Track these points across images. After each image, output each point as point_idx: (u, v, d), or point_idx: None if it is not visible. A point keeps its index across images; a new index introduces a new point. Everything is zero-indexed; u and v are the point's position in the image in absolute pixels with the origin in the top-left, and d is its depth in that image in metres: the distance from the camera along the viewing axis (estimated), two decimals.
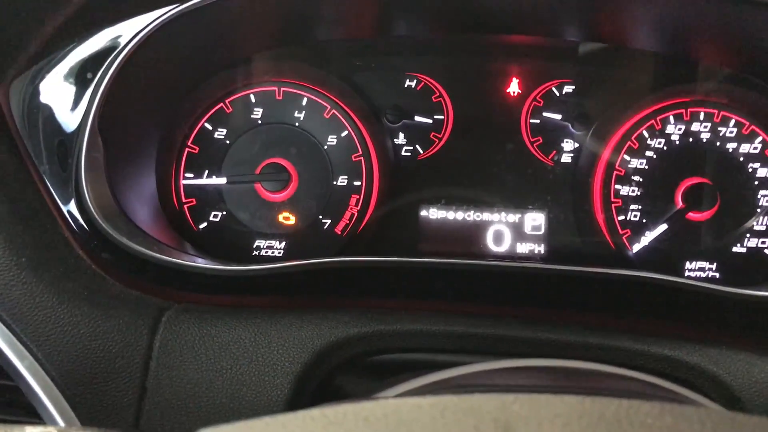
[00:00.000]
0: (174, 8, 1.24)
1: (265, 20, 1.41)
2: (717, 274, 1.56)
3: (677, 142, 1.58)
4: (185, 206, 1.56)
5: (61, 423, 1.05)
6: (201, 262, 1.32)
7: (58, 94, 1.27)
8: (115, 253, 1.26)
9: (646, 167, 1.58)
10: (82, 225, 1.26)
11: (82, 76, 1.26)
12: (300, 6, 1.37)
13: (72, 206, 1.26)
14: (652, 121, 1.58)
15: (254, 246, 1.58)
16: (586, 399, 0.57)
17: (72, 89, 1.27)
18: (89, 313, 1.13)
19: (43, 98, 1.27)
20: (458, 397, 0.58)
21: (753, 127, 1.56)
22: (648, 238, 1.56)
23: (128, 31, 1.26)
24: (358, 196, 1.59)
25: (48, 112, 1.27)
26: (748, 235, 1.56)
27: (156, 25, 1.24)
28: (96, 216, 1.25)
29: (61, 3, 1.17)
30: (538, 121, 1.61)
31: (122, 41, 1.26)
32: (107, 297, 1.17)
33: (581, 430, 0.53)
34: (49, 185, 1.25)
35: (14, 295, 1.11)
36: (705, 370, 1.17)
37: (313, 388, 1.16)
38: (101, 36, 1.26)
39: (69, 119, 1.27)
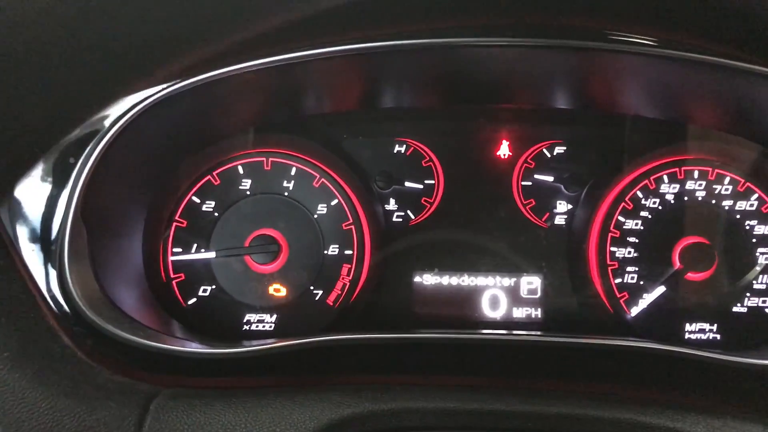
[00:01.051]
0: (159, 91, 1.23)
1: (252, 98, 1.39)
2: (718, 336, 1.53)
3: (672, 202, 1.55)
4: (173, 282, 1.53)
5: None
6: (189, 346, 1.29)
7: (41, 180, 1.25)
8: (100, 340, 1.23)
9: (642, 228, 1.56)
10: (67, 312, 1.23)
11: (64, 161, 1.24)
12: (287, 85, 1.36)
13: (56, 293, 1.24)
14: (646, 180, 1.56)
15: (245, 320, 1.55)
16: None
17: (55, 175, 1.25)
18: (73, 407, 1.10)
19: (26, 185, 1.25)
20: None
21: (748, 184, 1.55)
22: (646, 300, 1.54)
23: (112, 114, 1.24)
24: (349, 266, 1.56)
25: (31, 199, 1.25)
26: (748, 294, 1.53)
27: (141, 108, 1.22)
28: (80, 304, 1.22)
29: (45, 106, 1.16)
30: (530, 183, 1.59)
31: (106, 124, 1.24)
32: (92, 387, 1.14)
33: None
34: (32, 273, 1.23)
35: None
36: None
37: None
38: (84, 122, 1.24)
39: (51, 206, 1.25)
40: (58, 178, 1.25)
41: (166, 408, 1.13)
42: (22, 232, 1.24)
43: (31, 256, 1.24)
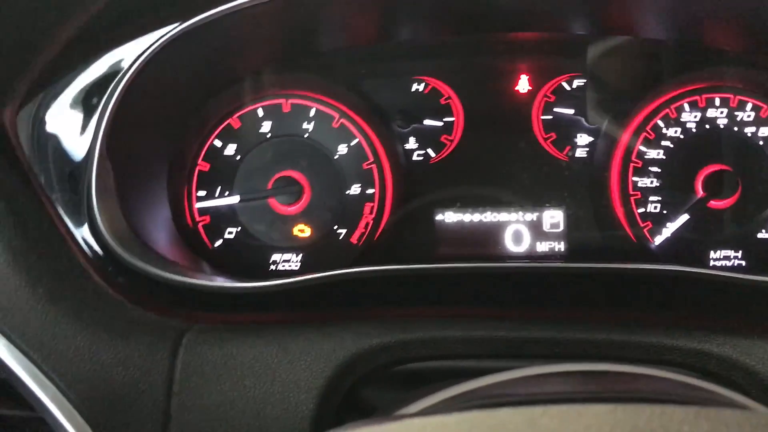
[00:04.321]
0: (174, 28, 1.24)
1: (267, 34, 1.40)
2: (743, 262, 1.53)
3: (694, 130, 1.54)
4: (199, 225, 1.55)
5: None
6: (218, 281, 1.31)
7: (65, 122, 1.27)
8: (131, 278, 1.25)
9: (664, 157, 1.55)
10: (97, 251, 1.25)
11: (87, 102, 1.26)
12: (302, 17, 1.36)
13: (86, 233, 1.26)
14: (667, 110, 1.54)
15: (271, 260, 1.56)
16: (617, 408, 0.55)
17: (78, 116, 1.27)
18: (108, 339, 1.12)
19: (51, 127, 1.27)
20: (485, 412, 0.56)
21: None
22: (670, 229, 1.53)
23: (130, 54, 1.25)
24: (372, 204, 1.57)
25: (56, 141, 1.27)
26: None
27: (158, 46, 1.23)
28: (110, 241, 1.24)
29: (61, 26, 1.17)
30: (550, 117, 1.58)
31: (125, 65, 1.25)
32: (126, 322, 1.16)
33: None
34: (62, 213, 1.25)
35: (33, 327, 1.10)
36: (737, 362, 1.13)
37: (338, 402, 1.14)
38: (104, 61, 1.26)
39: (77, 146, 1.27)
40: (83, 119, 1.27)
41: (198, 341, 1.15)
42: (48, 174, 1.26)
43: (59, 196, 1.26)
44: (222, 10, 1.22)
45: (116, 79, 1.26)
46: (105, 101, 1.26)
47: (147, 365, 1.11)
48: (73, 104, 1.27)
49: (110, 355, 1.11)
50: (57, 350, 1.10)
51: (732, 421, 0.52)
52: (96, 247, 1.26)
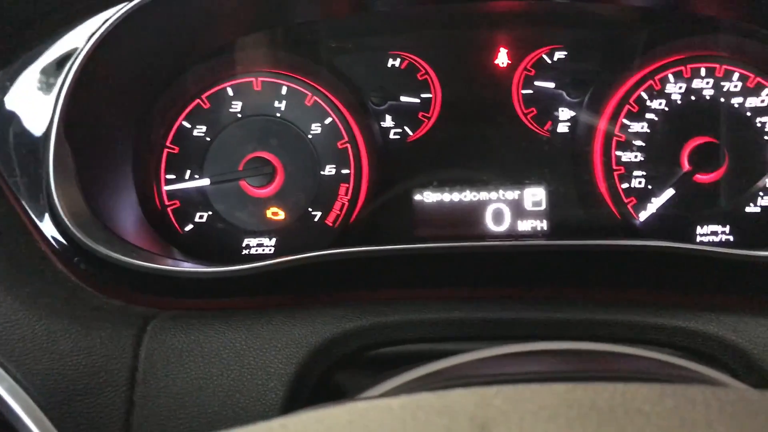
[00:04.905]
0: (132, 2, 1.18)
1: (237, 4, 1.34)
2: (731, 237, 1.48)
3: (679, 102, 1.49)
4: (168, 209, 1.50)
5: None
6: (186, 266, 1.27)
7: (23, 103, 1.22)
8: (94, 264, 1.21)
9: (648, 130, 1.50)
10: (57, 236, 1.21)
11: (44, 81, 1.21)
12: None
13: (45, 217, 1.21)
14: (651, 81, 1.49)
15: (243, 245, 1.51)
16: (576, 387, 0.50)
17: (36, 96, 1.22)
18: (68, 328, 1.08)
19: (8, 107, 1.22)
20: (434, 394, 0.51)
21: (759, 79, 1.48)
22: (655, 205, 1.48)
23: (87, 30, 1.20)
24: (347, 185, 1.52)
25: (14, 122, 1.22)
26: (761, 193, 1.48)
27: (116, 20, 1.18)
28: (69, 225, 1.19)
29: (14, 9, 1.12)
30: (530, 91, 1.53)
31: (82, 41, 1.20)
32: (88, 309, 1.12)
33: (569, 422, 0.46)
34: (19, 197, 1.20)
35: None
36: (723, 340, 1.10)
37: (311, 388, 1.10)
38: (62, 39, 1.21)
39: (35, 127, 1.22)
40: (40, 100, 1.22)
41: (164, 328, 1.12)
42: (5, 155, 1.21)
43: (17, 181, 1.21)
44: None
45: (73, 56, 1.21)
46: (62, 80, 1.21)
47: (109, 354, 1.07)
48: (31, 84, 1.22)
49: (70, 344, 1.07)
50: (13, 339, 1.06)
51: (698, 399, 0.47)
52: (56, 232, 1.21)
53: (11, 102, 1.23)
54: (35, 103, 1.23)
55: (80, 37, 1.21)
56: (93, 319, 1.11)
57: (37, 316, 1.08)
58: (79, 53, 1.20)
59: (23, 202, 1.20)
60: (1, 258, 1.12)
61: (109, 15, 1.18)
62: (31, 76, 1.23)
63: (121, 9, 1.18)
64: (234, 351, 1.09)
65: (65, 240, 1.21)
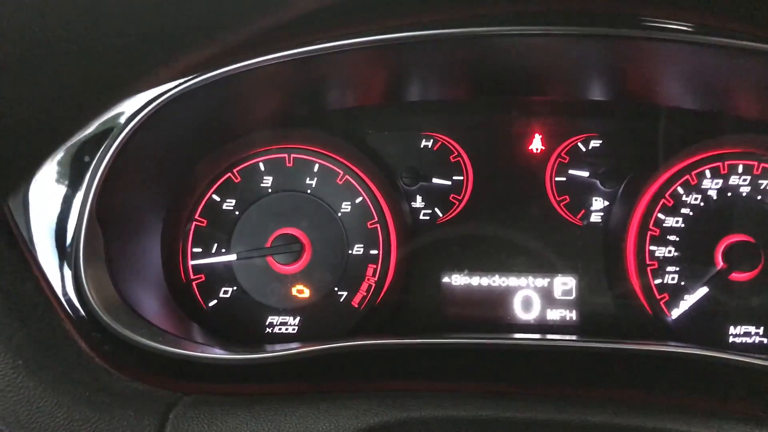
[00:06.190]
0: (176, 86, 1.17)
1: (273, 94, 1.34)
2: (764, 340, 1.45)
3: (715, 198, 1.47)
4: (193, 283, 1.49)
5: None
6: (209, 352, 1.24)
7: (56, 180, 1.21)
8: (117, 346, 1.19)
9: (683, 226, 1.48)
10: (84, 317, 1.19)
11: (79, 160, 1.20)
12: (306, 81, 1.30)
13: (72, 298, 1.19)
14: (687, 176, 1.48)
15: (267, 322, 1.49)
16: None
17: (69, 174, 1.21)
18: (90, 417, 1.06)
19: (41, 185, 1.21)
20: None
21: None
22: (688, 302, 1.46)
23: (127, 110, 1.19)
24: (375, 266, 1.50)
25: (46, 200, 1.21)
26: None
27: (157, 104, 1.17)
28: (97, 308, 1.18)
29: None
30: (564, 179, 1.52)
31: (121, 121, 1.19)
32: (110, 395, 1.10)
33: None
34: (47, 276, 1.19)
35: (11, 401, 1.04)
36: None
37: None
38: (99, 118, 1.20)
39: (67, 207, 1.20)
40: (74, 177, 1.21)
41: (186, 417, 1.09)
42: (37, 233, 1.19)
43: (47, 258, 1.19)
44: (227, 71, 1.16)
45: (111, 135, 1.20)
46: (98, 159, 1.20)
47: None
48: (64, 161, 1.21)
49: None
50: (35, 428, 1.04)
51: None
52: (82, 313, 1.19)
53: (45, 179, 1.21)
54: (68, 182, 1.22)
55: (121, 115, 1.20)
56: (115, 406, 1.08)
57: (59, 404, 1.06)
58: (119, 132, 1.18)
59: (51, 282, 1.18)
60: (26, 341, 1.10)
61: (150, 97, 1.17)
62: (65, 153, 1.22)
63: (163, 95, 1.16)
64: None
65: (91, 321, 1.19)
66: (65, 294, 1.19)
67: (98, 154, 1.19)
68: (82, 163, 1.20)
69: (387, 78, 1.38)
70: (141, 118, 1.19)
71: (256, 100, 1.35)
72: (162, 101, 1.17)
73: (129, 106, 1.20)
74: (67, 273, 1.19)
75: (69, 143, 1.20)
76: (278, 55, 1.14)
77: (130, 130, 1.19)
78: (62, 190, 1.21)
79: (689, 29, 1.12)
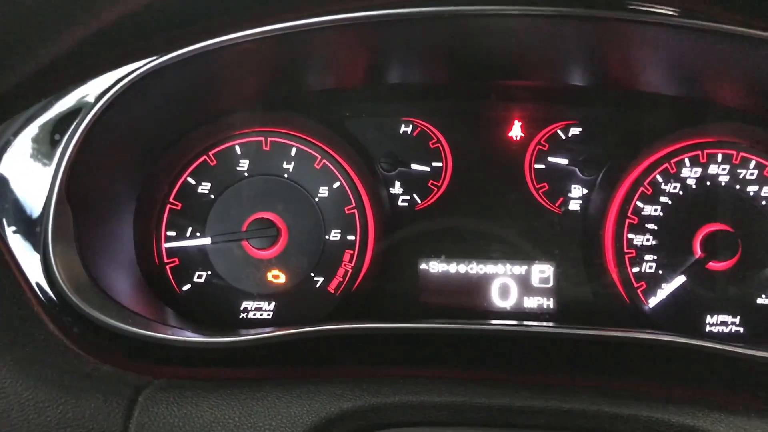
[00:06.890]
0: (147, 63, 1.15)
1: (251, 73, 1.32)
2: (741, 329, 1.45)
3: (694, 187, 1.47)
4: (167, 267, 1.46)
5: None
6: (181, 335, 1.22)
7: (25, 159, 1.18)
8: (87, 328, 1.17)
9: (661, 214, 1.47)
10: (52, 298, 1.17)
11: (49, 138, 1.18)
12: (284, 59, 1.28)
13: (41, 278, 1.17)
14: (666, 164, 1.47)
15: (242, 308, 1.48)
16: None
17: (39, 153, 1.18)
18: (57, 398, 1.04)
19: (10, 163, 1.18)
20: None
21: None
22: (665, 291, 1.45)
23: (97, 89, 1.17)
24: (352, 252, 1.49)
25: (15, 178, 1.18)
26: None
27: (127, 82, 1.15)
28: (65, 289, 1.16)
29: (23, 61, 1.09)
30: (543, 166, 1.51)
31: (90, 99, 1.17)
32: (78, 377, 1.08)
33: None
34: (15, 257, 1.16)
35: None
36: None
37: None
38: (70, 96, 1.17)
39: (36, 185, 1.18)
40: (43, 156, 1.18)
41: (155, 400, 1.07)
42: (4, 214, 1.17)
43: (15, 238, 1.17)
44: (200, 47, 1.14)
45: (80, 114, 1.17)
46: (67, 139, 1.17)
47: (98, 426, 1.03)
48: (34, 140, 1.19)
49: (57, 416, 1.03)
50: None
51: None
52: (51, 294, 1.17)
53: (13, 157, 1.19)
54: (38, 161, 1.19)
55: (90, 93, 1.18)
56: (83, 388, 1.06)
57: (25, 385, 1.03)
58: (90, 110, 1.16)
59: (19, 262, 1.16)
60: None
61: (121, 75, 1.15)
62: (35, 131, 1.19)
63: (136, 70, 1.14)
64: (227, 428, 1.04)
65: (60, 303, 1.17)
66: (34, 275, 1.17)
67: (68, 133, 1.17)
68: (53, 142, 1.18)
69: (365, 59, 1.36)
70: (111, 96, 1.17)
71: (231, 80, 1.33)
72: (132, 79, 1.15)
73: (99, 84, 1.18)
74: (36, 254, 1.17)
75: (39, 121, 1.18)
76: (253, 32, 1.12)
77: (100, 108, 1.17)
78: (31, 169, 1.19)
79: (673, 12, 1.11)
